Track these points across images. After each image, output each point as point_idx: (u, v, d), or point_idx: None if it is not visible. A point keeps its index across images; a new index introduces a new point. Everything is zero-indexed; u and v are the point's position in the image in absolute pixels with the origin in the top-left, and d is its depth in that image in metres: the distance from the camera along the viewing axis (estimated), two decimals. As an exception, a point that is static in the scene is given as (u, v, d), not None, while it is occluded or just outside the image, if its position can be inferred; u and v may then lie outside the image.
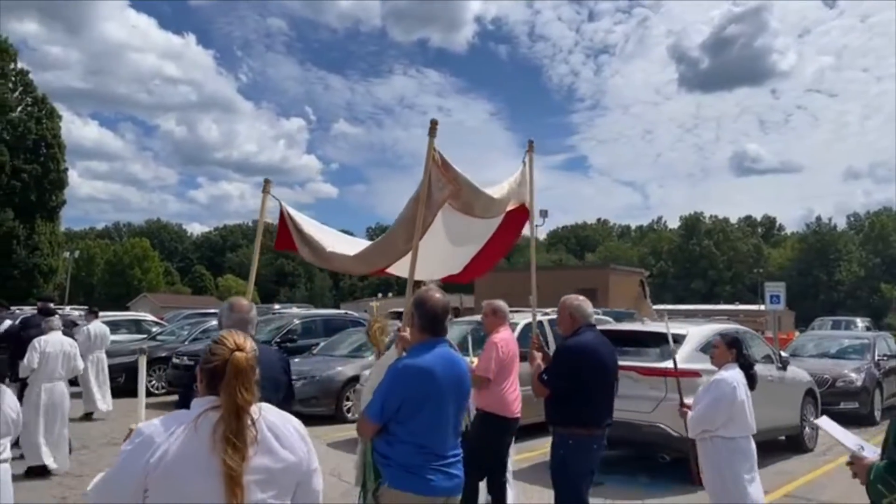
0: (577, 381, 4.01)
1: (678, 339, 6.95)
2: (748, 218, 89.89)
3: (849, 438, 2.40)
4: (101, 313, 12.45)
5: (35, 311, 8.91)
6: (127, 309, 39.26)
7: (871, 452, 2.26)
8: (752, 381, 4.41)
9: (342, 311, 18.90)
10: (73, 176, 37.87)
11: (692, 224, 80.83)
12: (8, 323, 9.14)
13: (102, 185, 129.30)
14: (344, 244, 5.02)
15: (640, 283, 6.96)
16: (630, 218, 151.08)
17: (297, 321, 13.70)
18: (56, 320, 7.66)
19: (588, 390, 4.02)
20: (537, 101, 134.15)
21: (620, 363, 5.44)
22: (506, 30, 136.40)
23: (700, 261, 76.22)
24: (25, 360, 6.92)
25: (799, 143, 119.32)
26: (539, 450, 8.26)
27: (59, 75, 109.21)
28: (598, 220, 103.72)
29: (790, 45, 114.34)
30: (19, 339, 7.75)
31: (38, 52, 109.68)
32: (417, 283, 4.05)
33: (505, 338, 5.12)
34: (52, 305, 8.70)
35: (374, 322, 4.41)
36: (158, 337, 15.40)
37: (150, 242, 74.92)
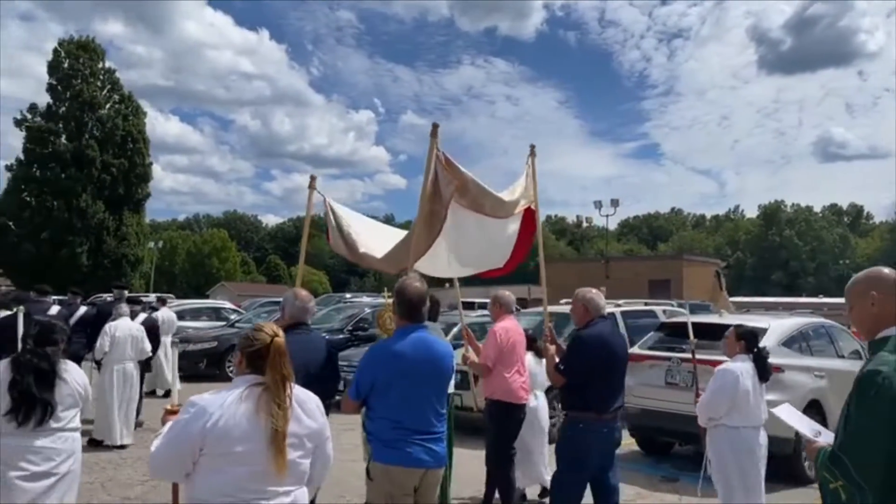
0: (589, 370, 4.21)
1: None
2: (833, 206, 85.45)
3: (805, 425, 2.42)
4: (183, 301, 13.02)
5: (114, 299, 9.47)
6: (206, 297, 40.94)
7: (827, 437, 2.30)
8: (764, 372, 4.49)
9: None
10: (156, 170, 39.76)
11: (772, 213, 77.43)
12: (83, 309, 9.74)
13: (183, 178, 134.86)
14: (379, 242, 5.25)
15: (715, 273, 6.75)
16: (705, 207, 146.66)
17: (367, 310, 13.94)
18: (125, 307, 8.27)
19: (598, 378, 4.22)
20: (607, 89, 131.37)
21: (697, 356, 5.35)
22: (575, 16, 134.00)
23: (780, 251, 72.96)
24: (97, 344, 7.64)
25: (888, 127, 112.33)
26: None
27: (144, 73, 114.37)
28: (672, 209, 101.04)
29: (878, 25, 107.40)
30: (96, 324, 8.36)
31: (124, 52, 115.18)
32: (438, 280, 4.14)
33: (506, 326, 5.25)
34: (126, 293, 9.49)
35: (385, 310, 4.65)
36: (237, 324, 15.96)
37: (228, 233, 77.71)
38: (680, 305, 14.55)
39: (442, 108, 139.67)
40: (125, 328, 7.87)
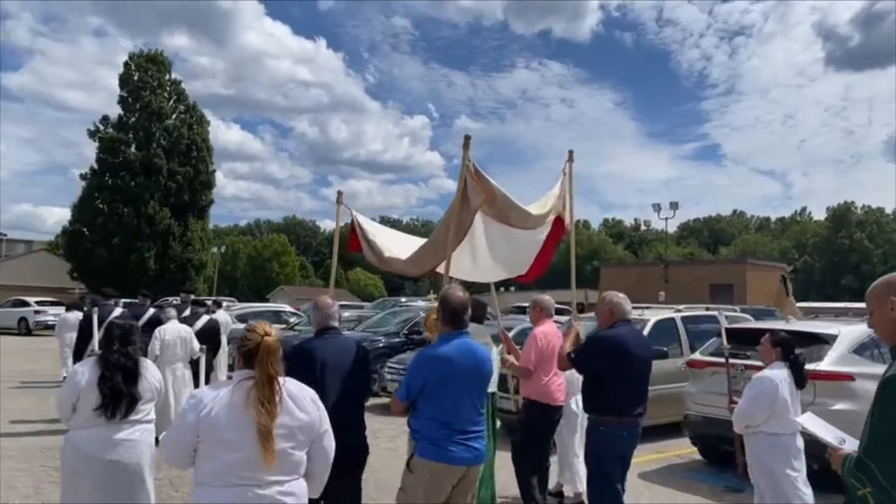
0: (604, 370, 4.31)
1: (829, 340, 6.51)
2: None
3: (830, 434, 2.44)
4: (244, 304, 13.38)
5: (181, 301, 9.95)
6: (267, 300, 41.96)
7: (852, 445, 2.28)
8: (801, 379, 4.48)
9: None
10: (219, 177, 40.93)
11: (841, 214, 74.20)
12: (151, 311, 10.29)
13: (244, 185, 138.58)
14: (402, 247, 5.63)
15: (781, 278, 6.54)
16: (769, 209, 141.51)
17: (422, 314, 14.02)
18: (172, 311, 8.83)
19: (616, 381, 4.29)
20: (665, 89, 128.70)
21: (759, 364, 5.22)
22: (631, 16, 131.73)
23: (850, 255, 69.85)
24: (149, 348, 8.02)
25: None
26: (671, 451, 7.98)
27: (207, 83, 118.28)
28: (734, 211, 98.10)
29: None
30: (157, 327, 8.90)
31: (189, 63, 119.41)
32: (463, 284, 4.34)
33: (546, 331, 5.37)
34: (192, 296, 10.19)
35: (431, 313, 4.87)
36: (296, 327, 16.30)
37: (287, 238, 79.45)
38: (742, 311, 14.12)
39: (496, 112, 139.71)
40: (174, 331, 8.31)
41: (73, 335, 10.51)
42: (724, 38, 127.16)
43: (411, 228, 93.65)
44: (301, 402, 2.62)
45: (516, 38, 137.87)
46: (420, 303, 19.86)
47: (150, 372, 4.00)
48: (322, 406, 2.73)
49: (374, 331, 13.92)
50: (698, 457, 7.44)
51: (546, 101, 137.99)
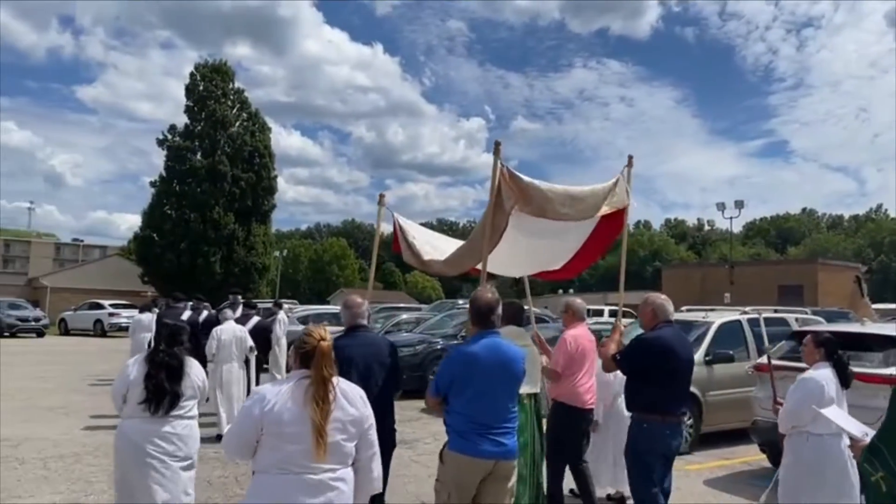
0: (649, 370, 4.41)
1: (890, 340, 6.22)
2: None
3: (853, 426, 2.53)
4: (306, 307, 13.70)
5: (230, 302, 10.82)
6: (327, 303, 42.69)
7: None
8: (845, 379, 4.44)
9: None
10: (280, 182, 41.80)
11: (921, 212, 70.43)
12: (206, 314, 10.81)
13: (305, 190, 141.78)
14: (441, 249, 5.87)
15: (855, 279, 6.27)
16: (842, 207, 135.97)
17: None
18: (229, 312, 9.41)
19: (660, 381, 4.38)
20: (729, 85, 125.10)
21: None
22: (693, 11, 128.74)
23: (932, 254, 66.22)
24: (206, 347, 8.57)
25: None
26: (738, 458, 7.73)
27: (268, 91, 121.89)
28: (804, 209, 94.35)
29: None
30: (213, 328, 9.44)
31: (251, 72, 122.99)
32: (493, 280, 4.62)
33: (576, 334, 5.42)
34: (240, 298, 10.89)
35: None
36: (355, 329, 16.50)
37: (347, 241, 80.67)
38: (814, 313, 13.55)
39: (553, 113, 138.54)
40: (230, 331, 8.73)
41: (146, 335, 11.00)
42: (791, 30, 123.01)
43: (468, 230, 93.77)
44: (352, 399, 2.90)
45: (573, 38, 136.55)
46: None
47: (195, 371, 4.23)
48: (369, 404, 2.99)
49: (431, 333, 13.98)
50: (767, 464, 7.17)
51: (605, 100, 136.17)
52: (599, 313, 27.28)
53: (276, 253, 44.55)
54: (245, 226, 38.66)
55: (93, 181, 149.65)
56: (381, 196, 6.24)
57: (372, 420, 2.97)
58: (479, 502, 3.61)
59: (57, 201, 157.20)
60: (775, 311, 10.38)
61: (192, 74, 40.01)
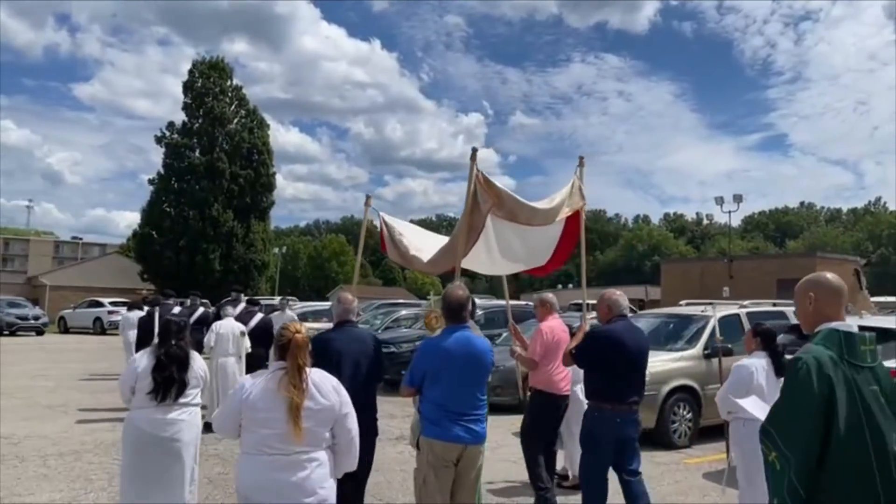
0: (602, 362, 4.70)
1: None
2: None
3: (764, 413, 2.58)
4: (305, 303, 13.75)
5: (232, 299, 11.10)
6: (327, 300, 42.67)
7: None
8: (780, 368, 4.67)
9: (523, 303, 18.99)
10: (279, 179, 41.74)
11: (920, 205, 70.44)
12: (201, 310, 10.97)
13: (303, 187, 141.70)
14: (427, 247, 6.08)
15: (854, 272, 6.26)
16: (840, 200, 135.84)
17: (479, 312, 13.99)
18: (230, 309, 9.73)
19: (612, 371, 4.66)
20: (727, 79, 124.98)
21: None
22: (691, 5, 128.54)
23: (931, 246, 66.27)
24: (205, 339, 8.91)
25: None
26: (737, 451, 7.74)
27: (266, 87, 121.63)
28: (802, 203, 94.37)
29: None
30: (206, 323, 9.98)
31: (248, 68, 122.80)
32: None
33: (551, 325, 5.77)
34: (242, 295, 11.23)
35: (430, 312, 5.45)
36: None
37: (346, 238, 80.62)
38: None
39: (552, 108, 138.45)
40: (228, 327, 9.00)
41: (135, 332, 11.01)
42: (789, 23, 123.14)
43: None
44: (323, 389, 3.18)
45: (571, 32, 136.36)
46: (477, 301, 19.84)
47: (198, 363, 4.55)
48: (343, 392, 3.26)
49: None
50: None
51: (603, 94, 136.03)
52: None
53: (276, 250, 44.53)
54: (244, 223, 38.67)
55: (91, 179, 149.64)
56: (368, 198, 6.61)
57: (348, 408, 3.24)
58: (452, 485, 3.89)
59: (56, 199, 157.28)
60: (774, 304, 10.39)
61: (190, 71, 39.99)
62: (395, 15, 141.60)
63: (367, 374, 4.31)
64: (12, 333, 26.54)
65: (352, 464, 3.33)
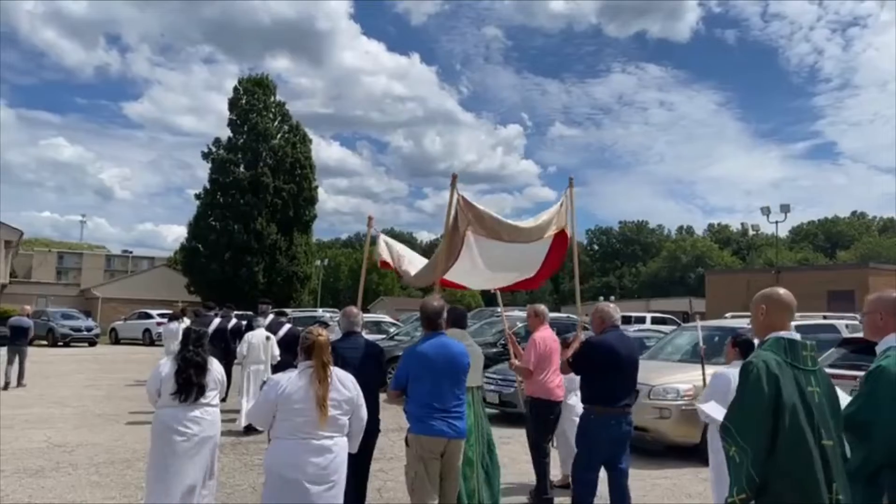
0: (596, 369, 5.09)
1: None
2: None
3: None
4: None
5: (261, 312, 11.37)
6: (367, 311, 42.98)
7: None
8: None
9: (563, 315, 18.84)
10: (320, 192, 42.34)
11: (980, 213, 67.53)
12: (234, 321, 11.86)
13: (344, 200, 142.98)
14: (413, 264, 6.74)
15: (909, 283, 6.04)
16: (893, 209, 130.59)
17: (519, 324, 13.94)
18: (262, 320, 10.46)
19: (605, 377, 5.03)
20: (772, 87, 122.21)
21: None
22: (734, 13, 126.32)
23: None
24: (238, 348, 9.83)
25: None
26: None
27: (308, 102, 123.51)
28: (853, 213, 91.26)
29: None
30: (239, 334, 11.01)
31: (290, 84, 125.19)
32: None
33: (544, 336, 6.18)
34: (270, 307, 11.56)
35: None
36: (395, 336, 16.60)
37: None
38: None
39: (592, 118, 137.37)
40: (260, 336, 9.74)
41: (177, 343, 11.39)
42: (836, 30, 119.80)
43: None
44: (346, 383, 3.84)
45: (611, 42, 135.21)
46: (516, 312, 19.75)
47: (215, 367, 5.02)
48: (359, 388, 3.91)
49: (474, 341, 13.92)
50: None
51: (644, 104, 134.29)
52: (642, 320, 26.80)
53: (318, 262, 45.08)
54: (287, 236, 39.29)
55: (140, 194, 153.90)
56: (370, 219, 7.32)
57: (361, 400, 3.90)
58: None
59: (107, 214, 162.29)
60: (824, 317, 10.11)
61: (235, 88, 40.99)
62: (433, 29, 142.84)
63: (370, 379, 4.69)
64: (66, 344, 27.46)
65: (355, 447, 3.94)
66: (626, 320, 27.33)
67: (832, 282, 32.40)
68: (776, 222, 37.99)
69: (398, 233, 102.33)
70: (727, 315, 11.12)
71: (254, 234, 37.97)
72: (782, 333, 2.90)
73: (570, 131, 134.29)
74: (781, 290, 3.05)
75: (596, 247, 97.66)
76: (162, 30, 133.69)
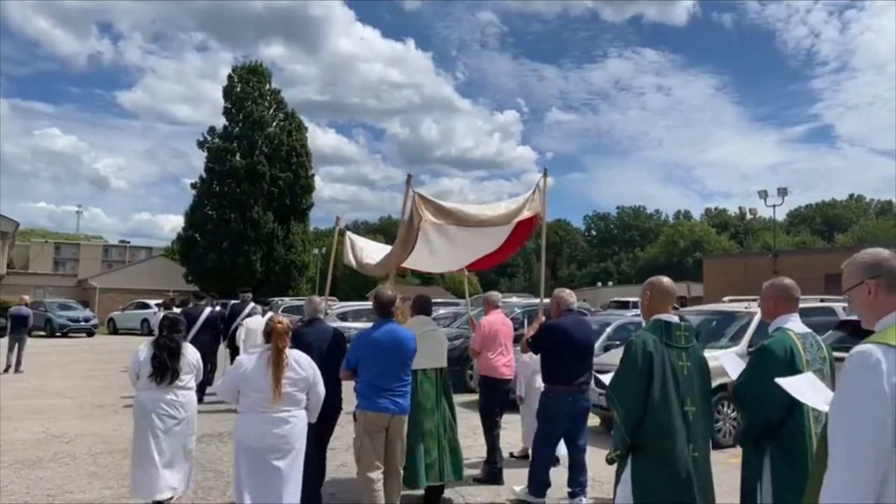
0: (553, 349, 5.60)
1: None
2: None
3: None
4: (345, 303, 14.08)
5: (241, 301, 12.11)
6: (366, 299, 42.93)
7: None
8: None
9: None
10: (317, 181, 42.18)
11: (977, 195, 67.55)
12: (217, 309, 12.05)
13: (341, 188, 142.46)
14: (374, 256, 7.18)
15: (908, 265, 6.01)
16: (890, 192, 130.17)
17: (518, 310, 13.93)
18: (258, 307, 11.37)
19: (561, 358, 5.55)
20: (770, 70, 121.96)
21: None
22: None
23: None
24: (237, 335, 10.33)
25: None
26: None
27: (302, 90, 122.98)
28: (851, 195, 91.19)
29: None
30: (229, 321, 11.65)
31: (285, 72, 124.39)
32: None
33: (491, 320, 6.82)
34: (250, 296, 12.41)
35: (397, 308, 6.27)
36: (393, 325, 16.54)
37: (384, 238, 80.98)
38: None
39: (589, 104, 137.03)
40: (257, 322, 10.09)
41: None
42: (833, 12, 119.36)
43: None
44: (302, 364, 4.41)
45: (607, 28, 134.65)
46: (515, 299, 19.72)
47: (190, 352, 5.41)
48: (316, 367, 4.49)
49: (467, 328, 13.94)
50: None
51: (641, 89, 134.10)
52: (640, 305, 26.82)
53: (315, 251, 44.99)
54: (284, 224, 39.22)
55: (137, 184, 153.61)
56: (338, 218, 8.42)
57: (318, 378, 4.47)
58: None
59: (103, 204, 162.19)
60: (822, 300, 10.10)
61: (229, 77, 40.77)
62: (428, 14, 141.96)
63: (332, 361, 5.15)
64: (64, 335, 27.47)
65: (313, 418, 4.52)
66: (624, 305, 27.36)
67: (830, 265, 32.33)
68: (774, 206, 37.94)
69: (395, 220, 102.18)
70: (725, 299, 11.10)
71: (251, 223, 37.88)
72: (661, 316, 3.40)
73: (567, 117, 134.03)
74: (664, 279, 3.53)
75: (594, 232, 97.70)
76: (154, 17, 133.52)
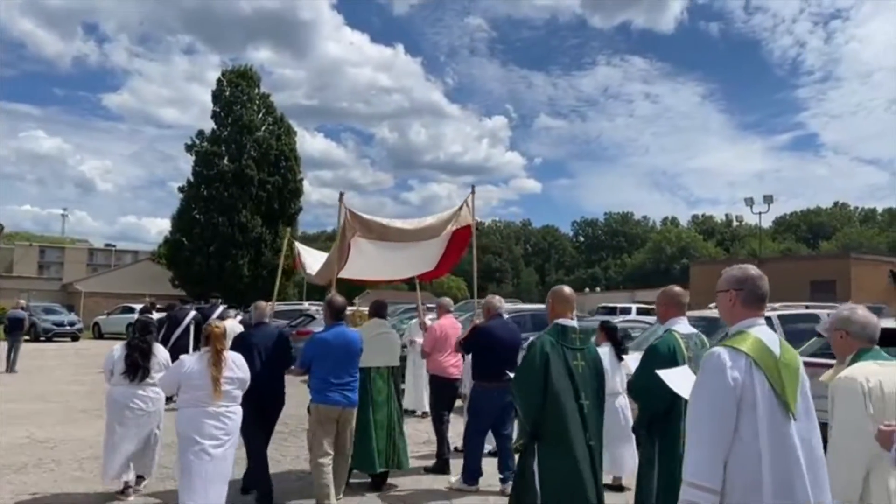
0: (480, 350, 6.18)
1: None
2: None
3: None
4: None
5: (210, 305, 12.29)
6: (353, 304, 42.78)
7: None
8: (620, 353, 6.41)
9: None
10: (305, 185, 41.97)
11: (959, 203, 68.44)
12: (193, 314, 12.01)
13: (329, 192, 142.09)
14: (315, 266, 7.87)
15: (890, 273, 6.10)
16: (874, 200, 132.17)
17: (505, 316, 13.93)
18: (231, 311, 12.04)
19: (488, 357, 6.09)
20: (756, 79, 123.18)
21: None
22: (718, 5, 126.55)
23: (971, 246, 64.33)
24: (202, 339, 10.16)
25: None
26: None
27: (291, 94, 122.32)
28: (835, 203, 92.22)
29: None
30: (200, 324, 11.35)
31: (273, 76, 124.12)
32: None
33: (442, 324, 7.50)
34: (220, 300, 12.75)
35: (355, 312, 7.07)
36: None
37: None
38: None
39: (577, 111, 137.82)
40: (229, 327, 9.98)
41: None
42: (818, 22, 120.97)
43: (493, 230, 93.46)
44: (238, 364, 4.94)
45: (595, 35, 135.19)
46: (505, 305, 19.69)
47: (160, 352, 5.97)
48: (247, 368, 4.99)
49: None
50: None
51: (629, 97, 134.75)
52: (627, 311, 26.90)
53: (303, 255, 44.88)
54: (272, 228, 39.05)
55: (123, 187, 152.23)
56: (287, 230, 9.06)
57: (248, 375, 4.97)
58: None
59: (88, 207, 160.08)
60: (807, 307, 10.21)
61: (218, 80, 40.59)
62: (418, 19, 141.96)
63: (276, 361, 5.75)
64: (49, 339, 27.17)
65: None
66: (612, 311, 27.45)
67: (814, 272, 32.73)
68: (759, 213, 38.38)
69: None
70: (711, 305, 11.19)
71: (238, 227, 37.72)
72: (561, 321, 3.91)
73: (556, 123, 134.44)
74: (565, 288, 4.08)
75: (582, 238, 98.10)
76: (140, 19, 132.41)
